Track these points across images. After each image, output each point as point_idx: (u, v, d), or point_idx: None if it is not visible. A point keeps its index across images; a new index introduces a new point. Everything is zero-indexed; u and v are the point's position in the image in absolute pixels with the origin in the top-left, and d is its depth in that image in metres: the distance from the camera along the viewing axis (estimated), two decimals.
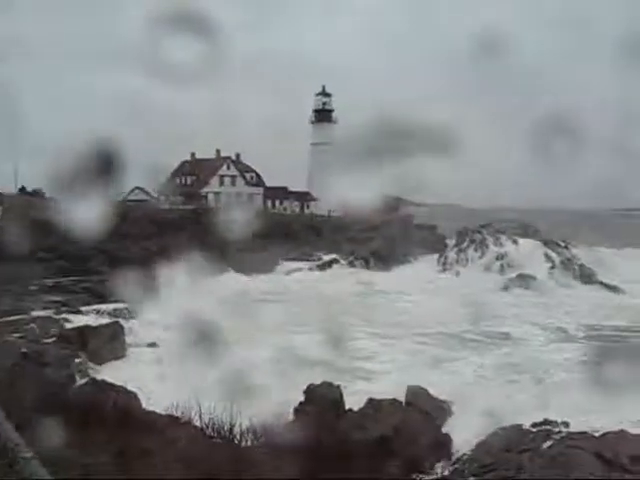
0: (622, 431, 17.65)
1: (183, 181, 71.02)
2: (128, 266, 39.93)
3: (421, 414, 20.14)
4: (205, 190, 68.62)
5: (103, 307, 34.15)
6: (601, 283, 54.66)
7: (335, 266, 56.94)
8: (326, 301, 40.12)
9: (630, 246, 65.89)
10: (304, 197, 70.23)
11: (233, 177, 70.22)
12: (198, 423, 8.39)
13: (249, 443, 8.33)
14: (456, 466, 18.13)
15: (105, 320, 31.35)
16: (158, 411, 9.30)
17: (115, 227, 37.84)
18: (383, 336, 33.97)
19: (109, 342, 27.97)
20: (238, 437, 8.26)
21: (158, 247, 50.90)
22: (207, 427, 8.27)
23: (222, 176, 70.18)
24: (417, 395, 20.84)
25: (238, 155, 71.97)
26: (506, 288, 52.37)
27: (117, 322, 30.98)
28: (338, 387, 19.46)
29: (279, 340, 27.05)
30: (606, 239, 67.47)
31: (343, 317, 33.90)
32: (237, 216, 60.02)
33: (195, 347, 21.00)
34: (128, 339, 29.37)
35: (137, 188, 67.50)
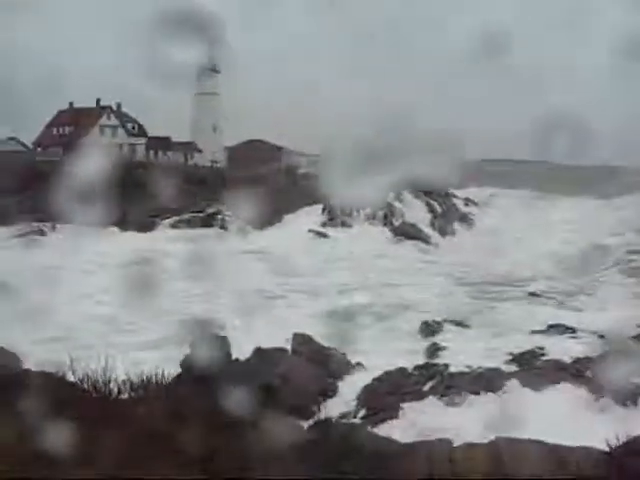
0: (497, 369, 18.49)
1: (61, 131, 67.88)
2: None
3: (308, 362, 20.30)
4: (84, 141, 65.48)
5: None
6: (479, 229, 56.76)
7: (217, 219, 55.56)
8: None
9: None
10: (188, 148, 68.26)
11: (114, 127, 67.52)
12: (72, 378, 8.06)
13: (126, 396, 8.10)
14: (343, 410, 18.48)
15: None
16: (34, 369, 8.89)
17: None
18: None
19: None
20: (115, 390, 8.01)
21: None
22: (81, 382, 7.96)
23: (102, 126, 67.22)
24: (303, 343, 20.93)
25: (119, 104, 69.13)
26: (398, 242, 53.07)
27: None
28: (225, 338, 18.85)
29: None
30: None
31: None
32: (117, 166, 58.18)
33: None
34: None
35: (11, 139, 64.43)
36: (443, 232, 55.75)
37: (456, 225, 57.77)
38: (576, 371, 18.02)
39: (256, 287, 34.18)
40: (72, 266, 37.49)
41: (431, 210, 58.21)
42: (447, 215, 58.48)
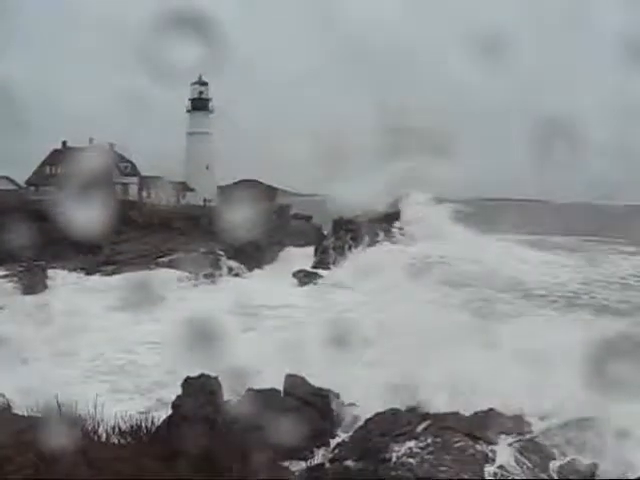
0: (491, 410, 18.42)
1: (53, 170, 67.59)
2: None
3: (299, 402, 20.14)
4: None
5: None
6: None
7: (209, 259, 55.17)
8: None
9: None
10: (180, 187, 68.20)
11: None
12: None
13: (116, 441, 7.95)
14: (335, 452, 18.29)
15: None
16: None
17: None
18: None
19: None
20: (104, 436, 7.86)
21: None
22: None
23: None
24: (295, 384, 20.67)
25: (112, 144, 68.64)
26: None
27: None
28: (216, 378, 18.29)
29: None
30: None
31: None
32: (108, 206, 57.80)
33: None
34: None
35: (2, 177, 64.39)
36: None
37: None
38: None
39: None
40: None
41: None
42: None
